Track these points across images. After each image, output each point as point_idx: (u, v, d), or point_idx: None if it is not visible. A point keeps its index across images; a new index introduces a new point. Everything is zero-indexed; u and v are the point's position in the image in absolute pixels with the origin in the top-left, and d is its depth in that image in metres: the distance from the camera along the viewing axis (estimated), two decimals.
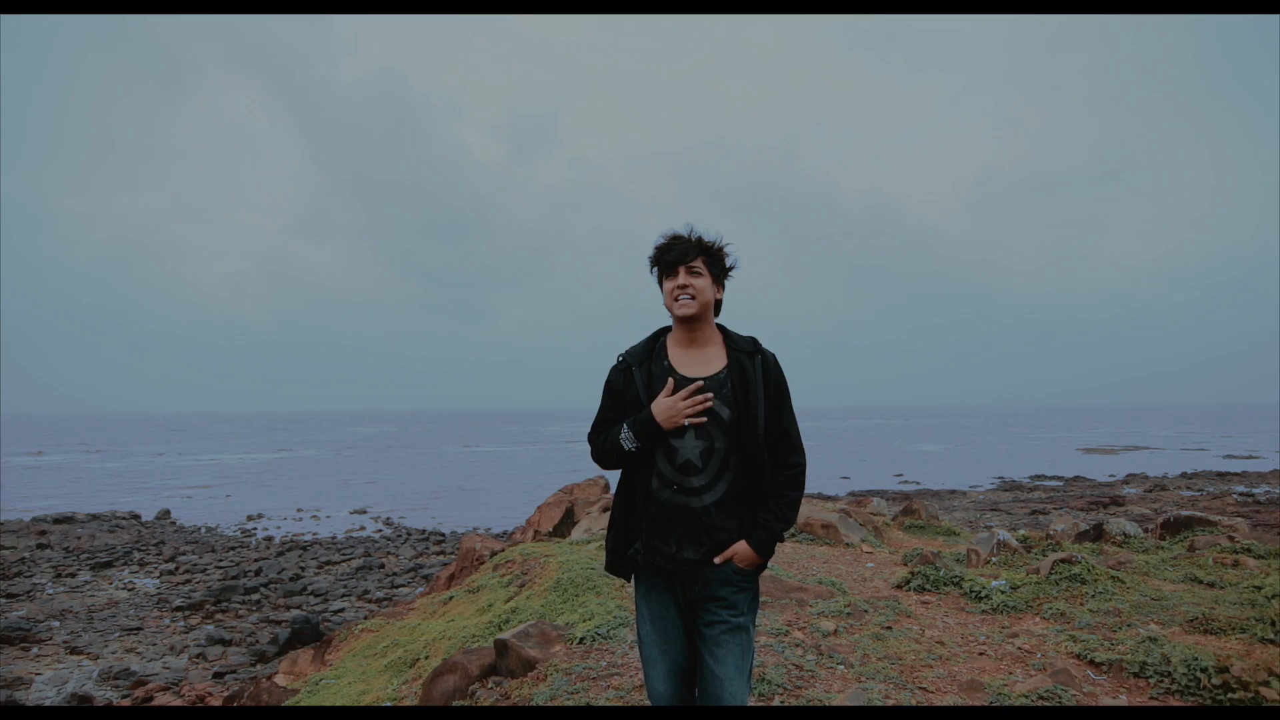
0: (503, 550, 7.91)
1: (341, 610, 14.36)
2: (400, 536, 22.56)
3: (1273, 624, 3.67)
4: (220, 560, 18.98)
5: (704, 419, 2.06)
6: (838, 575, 5.34)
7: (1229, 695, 2.98)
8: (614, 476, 2.20)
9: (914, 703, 2.99)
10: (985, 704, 3.03)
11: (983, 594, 4.56)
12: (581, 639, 3.69)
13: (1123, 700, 3.03)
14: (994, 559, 5.43)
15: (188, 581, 16.84)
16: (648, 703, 2.96)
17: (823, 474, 34.85)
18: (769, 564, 4.64)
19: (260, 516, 27.17)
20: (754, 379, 2.11)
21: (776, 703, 2.96)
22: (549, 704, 3.04)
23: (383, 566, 18.32)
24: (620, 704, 3.00)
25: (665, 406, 2.05)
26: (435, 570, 16.38)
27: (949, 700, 3.06)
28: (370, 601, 15.00)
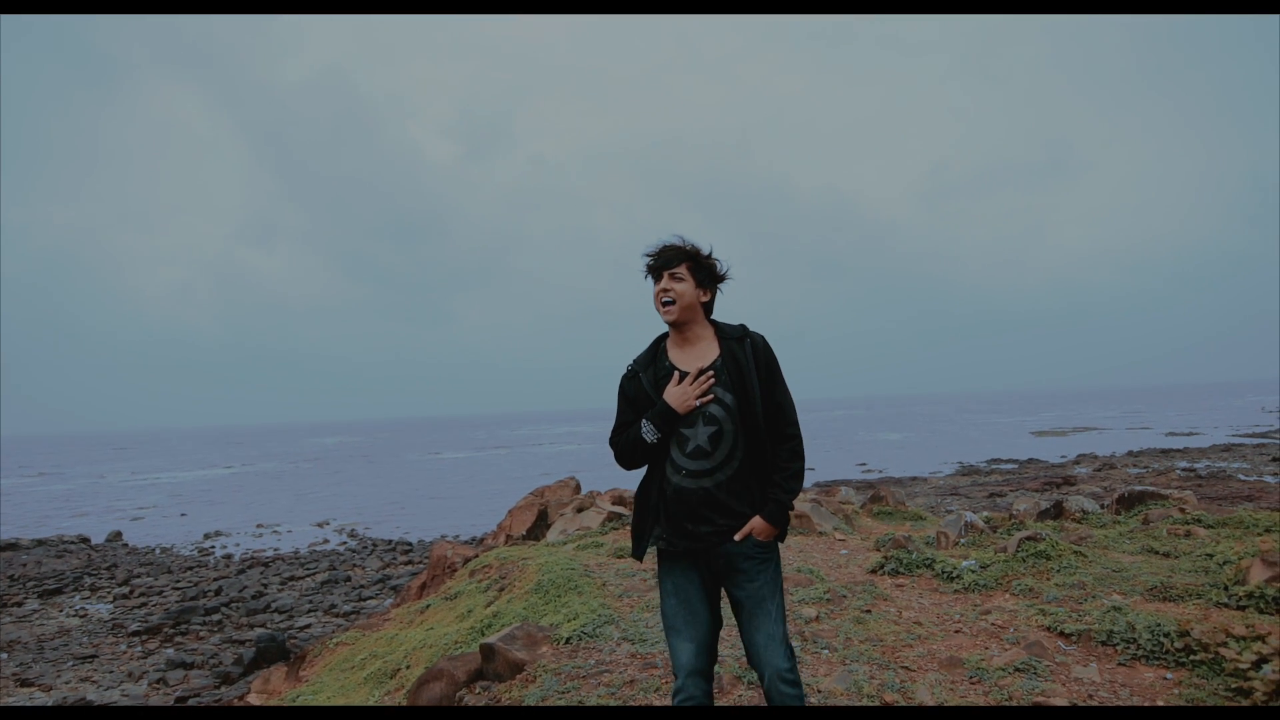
0: (477, 556, 7.84)
1: (308, 626, 14.03)
2: (366, 548, 22.13)
3: (1226, 589, 3.87)
4: (177, 581, 18.38)
5: (711, 397, 2.26)
6: (814, 563, 5.43)
7: (1190, 657, 3.14)
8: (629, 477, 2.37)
9: (898, 681, 3.08)
10: (965, 678, 3.14)
11: (954, 574, 4.70)
12: (568, 639, 3.70)
13: (1092, 667, 3.17)
14: (962, 540, 5.59)
15: (143, 605, 16.26)
16: (639, 699, 3.00)
17: None
18: None
19: (218, 534, 26.37)
20: (746, 362, 2.30)
21: None
22: (541, 704, 3.05)
23: (349, 579, 17.96)
24: (613, 700, 3.03)
25: (677, 394, 2.26)
26: (404, 580, 16.13)
27: (931, 676, 3.16)
28: (338, 615, 14.70)
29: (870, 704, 2.89)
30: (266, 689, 6.00)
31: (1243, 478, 22.35)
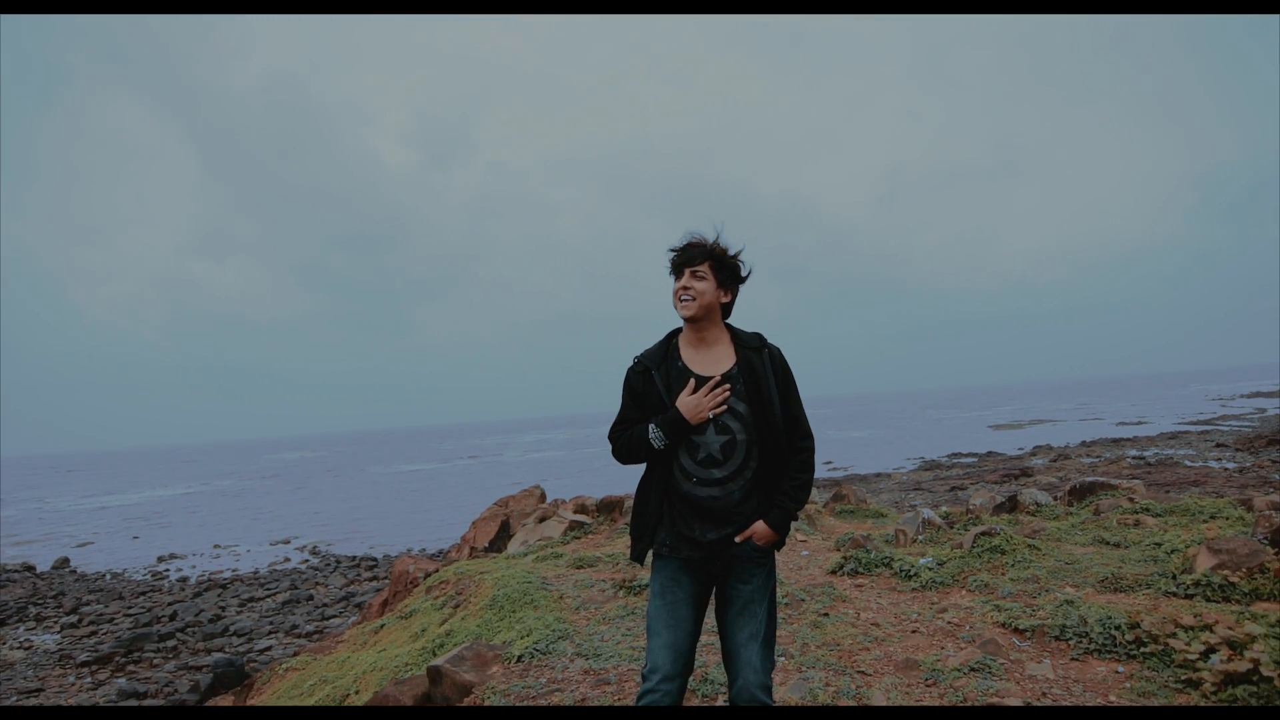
0: (437, 571, 7.65)
1: (269, 648, 13.60)
2: (329, 565, 21.62)
3: (1174, 578, 3.91)
4: (130, 607, 17.72)
5: (724, 408, 2.23)
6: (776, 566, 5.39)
7: (1141, 649, 3.15)
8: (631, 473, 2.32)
9: (854, 687, 3.04)
10: (920, 680, 3.10)
11: (912, 572, 4.70)
12: (520, 657, 3.58)
13: (1046, 664, 3.17)
14: (920, 537, 5.61)
15: (93, 634, 15.61)
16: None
17: None
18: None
19: (173, 557, 25.53)
20: (763, 372, 2.29)
21: (720, 702, 2.95)
22: None
23: (311, 598, 17.51)
24: None
25: (691, 404, 2.22)
26: (369, 597, 15.75)
27: (887, 680, 3.12)
28: (300, 636, 14.28)
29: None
30: None
31: (1189, 464, 23.11)
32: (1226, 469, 20.78)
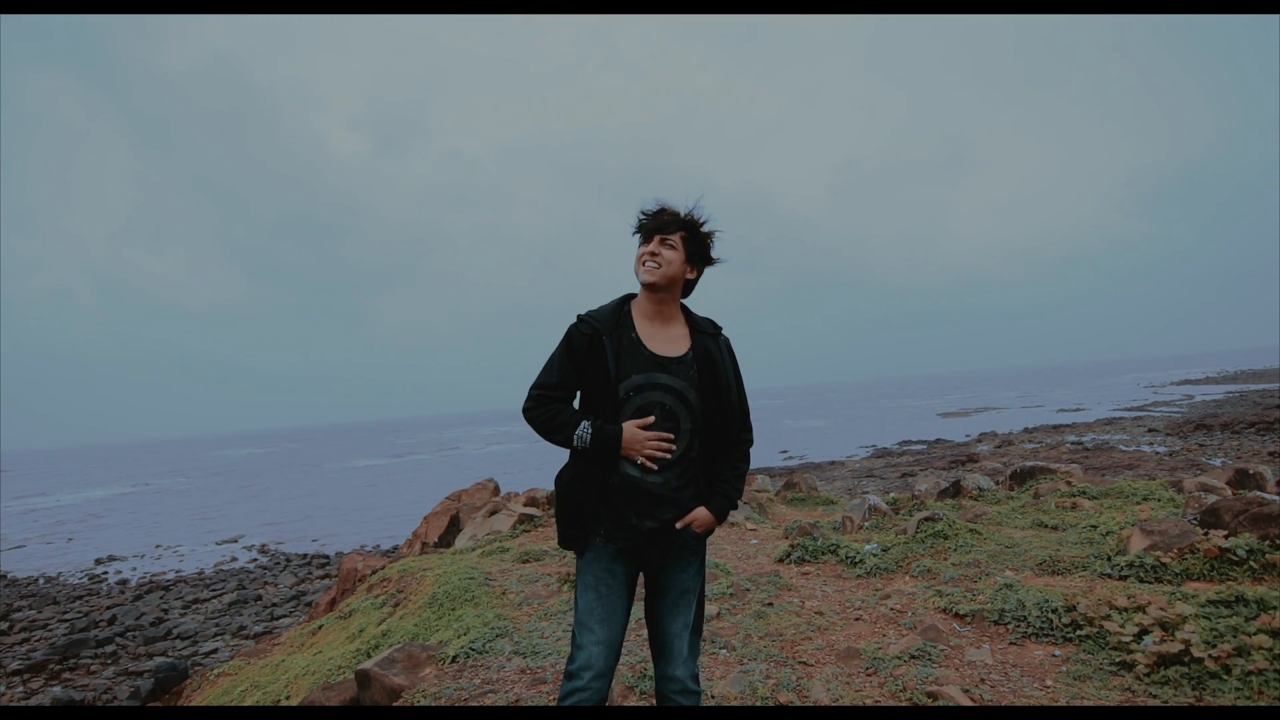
0: (383, 568, 7.43)
1: (215, 651, 13.14)
2: (279, 564, 21.02)
3: (1109, 559, 3.97)
4: (64, 612, 16.94)
5: (656, 468, 2.09)
6: (723, 556, 5.35)
7: (1078, 632, 3.18)
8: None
9: (794, 679, 2.98)
10: (861, 669, 3.07)
11: (857, 559, 4.70)
12: (454, 657, 3.44)
13: (985, 649, 3.17)
14: (866, 524, 5.63)
15: (25, 640, 14.87)
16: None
17: None
18: None
19: (111, 559, 24.51)
20: (720, 360, 2.18)
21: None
22: None
23: (260, 598, 16.97)
24: None
25: (636, 439, 2.07)
26: (319, 596, 15.34)
27: (828, 671, 3.07)
28: (248, 638, 13.83)
29: (763, 704, 2.77)
30: None
31: (1123, 448, 24.02)
32: (1158, 453, 21.67)
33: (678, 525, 2.13)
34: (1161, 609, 3.04)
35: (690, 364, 2.15)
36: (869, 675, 3.01)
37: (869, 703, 2.74)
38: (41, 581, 21.12)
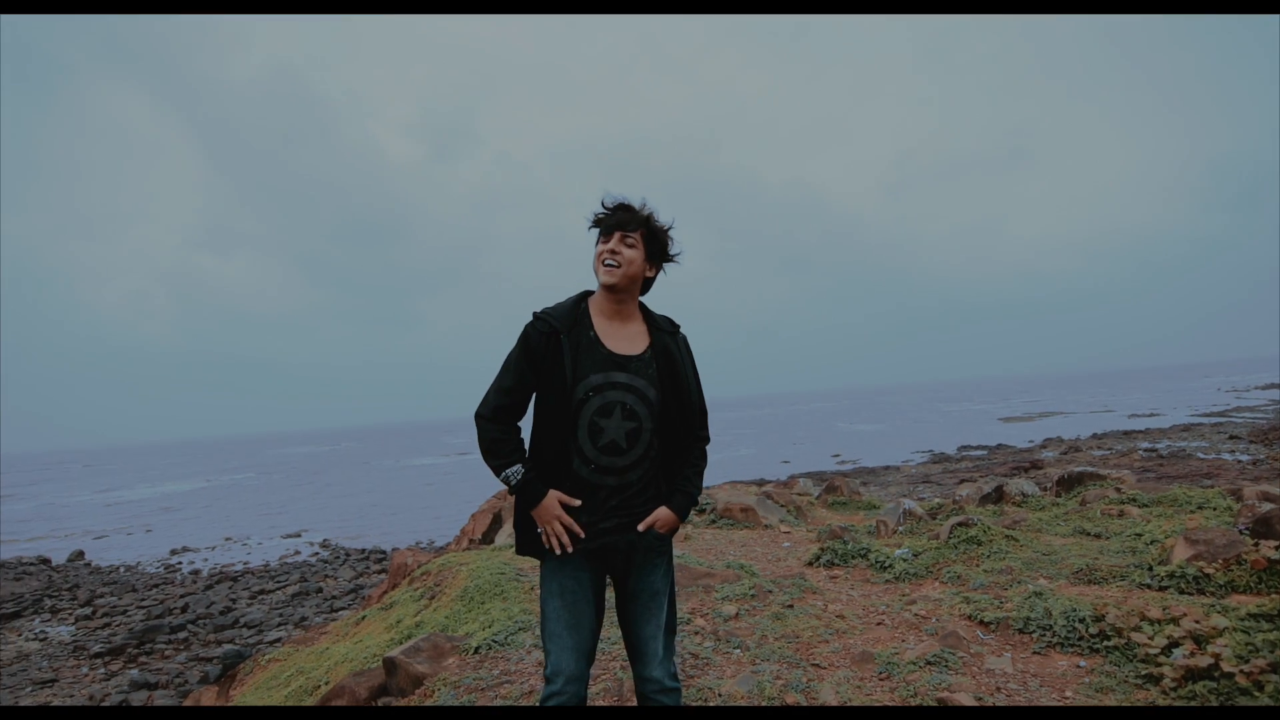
0: (427, 563, 7.66)
1: (278, 640, 13.73)
2: (339, 558, 21.75)
3: (1150, 569, 3.81)
4: (142, 600, 17.89)
5: (555, 547, 2.06)
6: (753, 558, 5.33)
7: (1105, 642, 3.06)
8: None
9: (804, 680, 2.97)
10: (874, 674, 3.03)
11: (887, 564, 4.62)
12: (477, 649, 3.54)
13: (1006, 658, 3.09)
14: (901, 528, 5.52)
15: (106, 625, 15.79)
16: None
17: (763, 460, 35.38)
18: (680, 553, 4.58)
19: (185, 550, 25.78)
20: (679, 357, 2.17)
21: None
22: None
23: (320, 590, 17.61)
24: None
25: (550, 511, 2.05)
26: (374, 590, 15.83)
27: (840, 674, 3.05)
28: (309, 629, 14.40)
29: (769, 704, 2.77)
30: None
31: (1201, 456, 22.78)
32: (1240, 461, 20.46)
33: (640, 528, 2.11)
34: (1196, 621, 2.91)
35: (649, 362, 2.12)
36: (882, 680, 2.97)
37: (879, 706, 2.71)
38: (122, 570, 22.35)
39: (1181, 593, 3.49)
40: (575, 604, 2.07)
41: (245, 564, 22.09)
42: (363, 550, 22.76)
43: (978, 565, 4.36)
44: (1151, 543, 4.32)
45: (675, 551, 5.09)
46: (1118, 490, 5.92)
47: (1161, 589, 3.57)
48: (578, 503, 2.06)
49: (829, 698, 2.80)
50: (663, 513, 2.13)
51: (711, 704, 2.79)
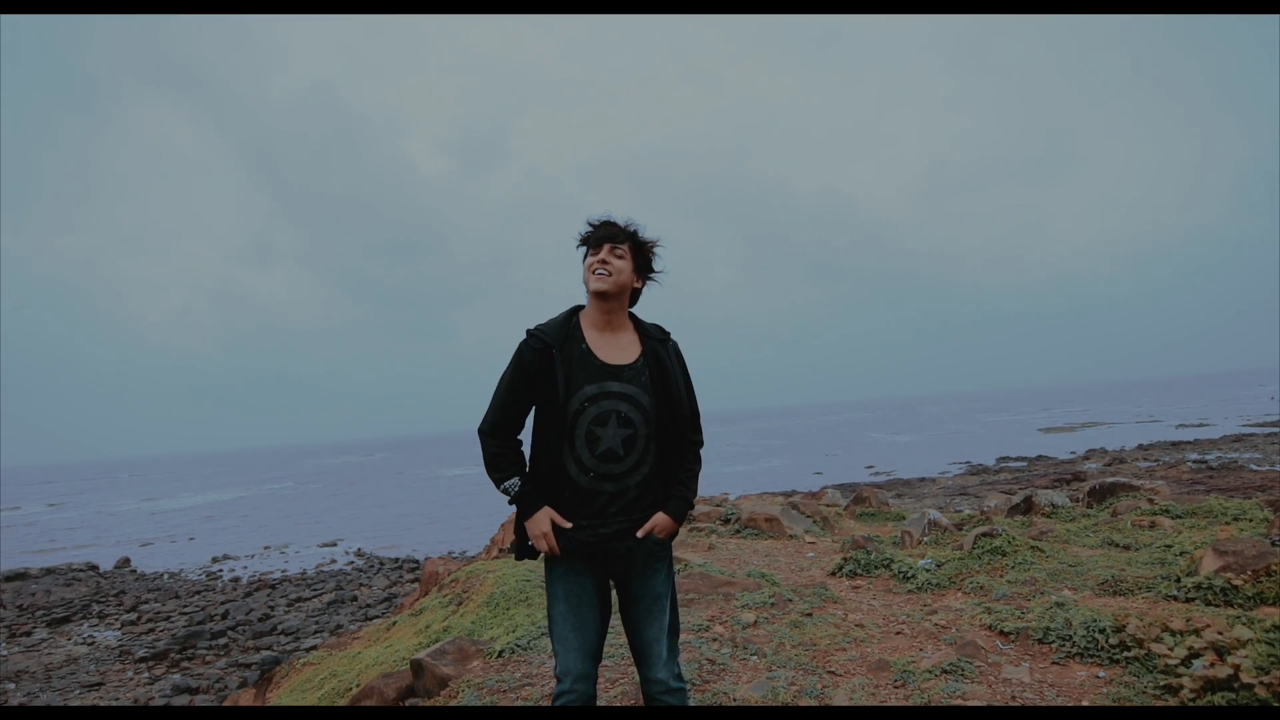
0: (457, 571, 7.81)
1: (314, 647, 14.00)
2: (373, 567, 22.11)
3: (1177, 580, 3.75)
4: (185, 606, 18.39)
5: (542, 548, 2.15)
6: (775, 567, 5.34)
7: (1125, 653, 3.04)
8: None
9: (819, 687, 3.00)
10: (889, 681, 3.05)
11: (910, 574, 4.61)
12: (500, 652, 3.64)
13: (1024, 667, 3.08)
14: (926, 539, 5.49)
15: (151, 631, 16.27)
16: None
17: (795, 472, 35.08)
18: (702, 562, 4.63)
19: (225, 558, 26.45)
20: (670, 365, 2.23)
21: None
22: None
23: (355, 599, 17.91)
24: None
25: (539, 526, 2.14)
26: (407, 598, 16.05)
27: (856, 681, 3.07)
28: (342, 635, 14.65)
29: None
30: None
31: (1255, 468, 21.98)
32: None
33: (639, 534, 2.17)
34: (1218, 633, 2.87)
35: (641, 370, 2.19)
36: (896, 687, 2.99)
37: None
38: (165, 577, 23.00)
39: (1208, 604, 3.44)
40: (580, 608, 2.15)
41: (283, 572, 22.58)
42: (396, 559, 23.11)
43: (1001, 576, 4.32)
44: (1181, 554, 4.24)
45: (697, 560, 5.14)
46: (1150, 501, 5.80)
47: (1188, 600, 3.52)
48: (569, 524, 2.15)
49: (841, 702, 2.83)
50: (660, 518, 2.19)
51: (726, 706, 2.84)
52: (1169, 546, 4.48)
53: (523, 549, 2.25)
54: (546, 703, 3.04)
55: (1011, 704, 2.75)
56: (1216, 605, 3.42)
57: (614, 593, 2.29)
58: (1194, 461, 25.15)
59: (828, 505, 9.30)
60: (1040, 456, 34.26)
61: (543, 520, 2.14)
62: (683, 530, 7.16)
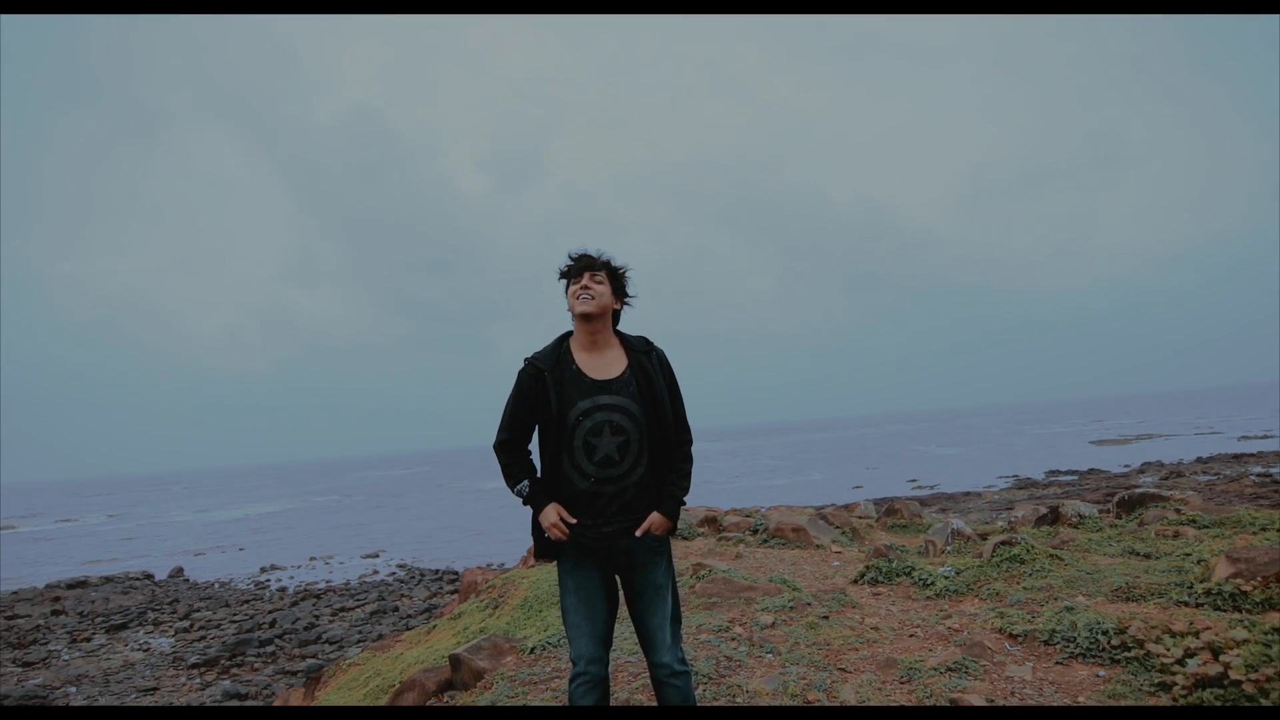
0: (494, 579, 8.10)
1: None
2: (414, 578, 22.48)
3: (1189, 587, 3.82)
4: (235, 614, 18.89)
5: (560, 536, 2.42)
6: (800, 575, 5.49)
7: (1125, 653, 3.14)
8: None
9: (828, 681, 3.17)
10: (896, 678, 3.20)
11: (929, 581, 4.73)
12: (532, 649, 3.89)
13: (1027, 667, 3.20)
14: (949, 548, 5.58)
15: (203, 638, 16.76)
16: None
17: (833, 486, 34.64)
18: (726, 568, 4.83)
19: (273, 568, 27.15)
20: (654, 374, 2.48)
21: (701, 691, 3.15)
22: (493, 707, 3.24)
23: (397, 609, 18.25)
24: (555, 704, 3.20)
25: (549, 517, 2.43)
26: (446, 608, 16.32)
27: (864, 677, 3.23)
28: (385, 638, 14.94)
29: (794, 703, 2.99)
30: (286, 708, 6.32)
31: None
32: None
33: (637, 533, 2.41)
34: (1217, 634, 2.96)
35: (629, 381, 2.45)
36: (902, 683, 3.15)
37: (894, 706, 2.89)
38: (216, 586, 23.75)
39: (1217, 609, 3.50)
40: (589, 599, 2.43)
41: (328, 582, 23.12)
42: (436, 571, 23.47)
43: (1018, 583, 4.42)
44: (1198, 562, 4.28)
45: (722, 566, 5.32)
46: (1178, 512, 5.80)
47: (1197, 606, 3.59)
48: (574, 521, 2.42)
49: (849, 697, 3.00)
50: (655, 518, 2.44)
51: (738, 700, 3.04)
52: (1188, 555, 4.52)
53: (541, 548, 2.54)
54: None
55: (1010, 699, 2.89)
56: (1225, 610, 3.49)
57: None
58: (1257, 475, 24.17)
59: (859, 517, 9.36)
60: (1092, 470, 33.26)
61: (551, 513, 2.43)
62: (711, 539, 7.35)
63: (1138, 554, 4.85)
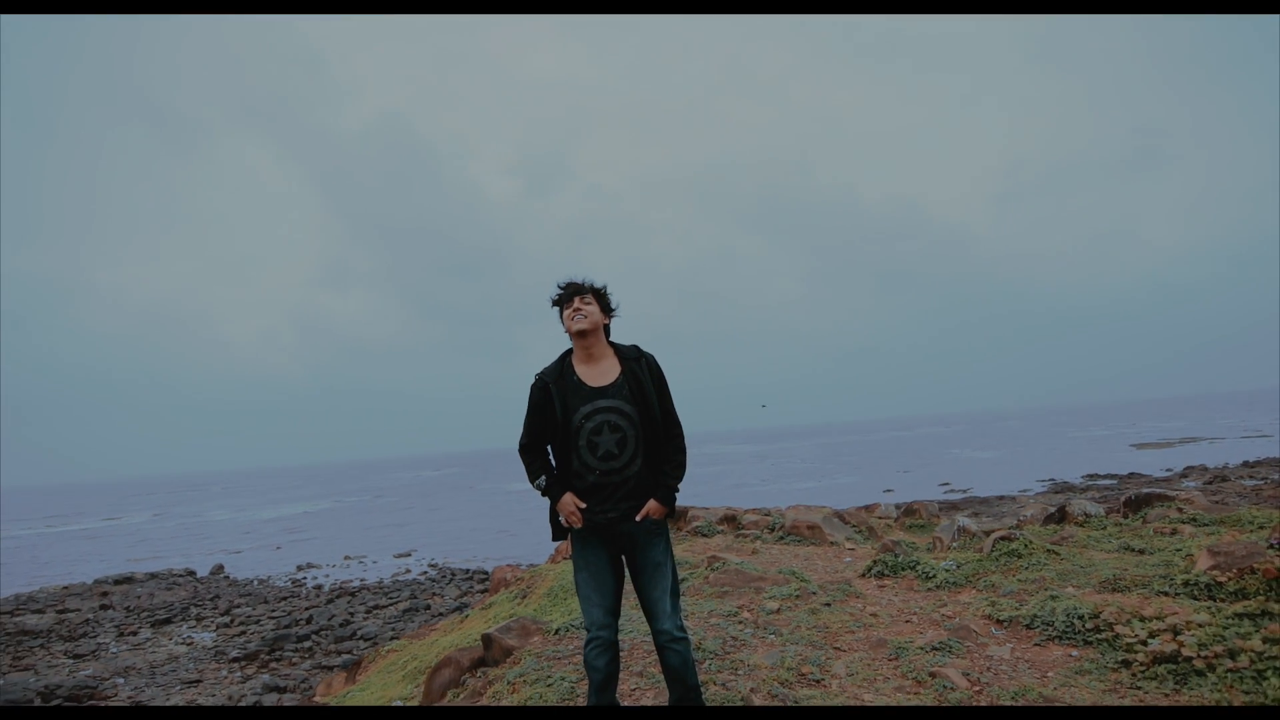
0: (523, 573, 8.51)
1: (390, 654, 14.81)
2: (445, 577, 22.90)
3: (1171, 579, 4.05)
4: (273, 611, 19.43)
5: (578, 519, 2.84)
6: (811, 569, 5.80)
7: (1097, 635, 3.41)
8: None
9: (824, 658, 3.49)
10: (885, 656, 3.51)
11: (932, 574, 5.01)
12: (557, 630, 4.27)
13: (1007, 648, 3.49)
14: (954, 544, 5.83)
15: (243, 633, 17.33)
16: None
17: (864, 489, 34.43)
18: (740, 561, 5.17)
19: (309, 566, 27.81)
20: (644, 377, 2.89)
21: (707, 665, 3.49)
22: (517, 680, 3.62)
23: (429, 607, 18.67)
24: (575, 674, 3.57)
25: (564, 504, 2.86)
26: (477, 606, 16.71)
27: (857, 655, 3.55)
28: (421, 627, 15.37)
29: (787, 674, 3.32)
30: (329, 691, 6.79)
31: None
32: None
33: (636, 518, 2.82)
34: (1180, 618, 3.21)
35: (622, 385, 2.87)
36: (890, 660, 3.46)
37: (879, 679, 3.21)
38: (255, 583, 24.48)
39: (1193, 599, 3.74)
40: (598, 574, 2.87)
41: (362, 580, 23.71)
42: (467, 570, 23.89)
43: (1014, 575, 4.68)
44: (1186, 556, 4.50)
45: (735, 560, 5.66)
46: (1180, 510, 5.97)
47: (1175, 595, 3.82)
48: (583, 505, 2.83)
49: (840, 671, 3.32)
50: (652, 504, 2.84)
51: (740, 672, 3.37)
52: (1179, 550, 4.73)
53: (556, 531, 3.00)
54: None
55: (985, 674, 3.18)
56: (1200, 599, 3.72)
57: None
58: None
59: (879, 517, 9.59)
60: (1132, 474, 32.55)
61: (567, 502, 2.87)
62: (730, 536, 7.67)
63: (1132, 549, 5.06)
